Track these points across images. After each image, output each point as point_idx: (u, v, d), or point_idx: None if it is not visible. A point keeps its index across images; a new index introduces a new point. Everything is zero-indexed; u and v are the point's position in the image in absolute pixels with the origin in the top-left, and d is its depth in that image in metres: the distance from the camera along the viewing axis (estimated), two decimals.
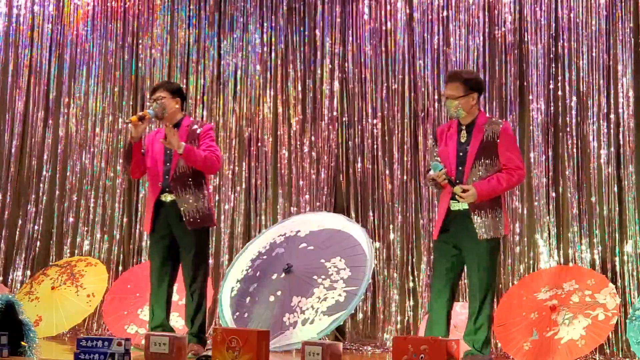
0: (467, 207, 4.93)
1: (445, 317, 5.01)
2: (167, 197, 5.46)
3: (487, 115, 5.28)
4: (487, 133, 4.98)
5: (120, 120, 7.52)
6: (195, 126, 5.55)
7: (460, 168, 4.98)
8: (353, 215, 6.79)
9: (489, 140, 4.96)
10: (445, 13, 6.80)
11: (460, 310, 5.90)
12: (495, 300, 6.21)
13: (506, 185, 4.94)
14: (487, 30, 6.66)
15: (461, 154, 4.98)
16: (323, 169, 6.99)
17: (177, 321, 6.09)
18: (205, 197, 5.50)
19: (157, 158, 5.51)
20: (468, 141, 5.00)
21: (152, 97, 5.54)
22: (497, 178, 4.92)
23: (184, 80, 7.37)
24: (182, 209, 5.39)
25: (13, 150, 7.74)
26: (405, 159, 6.79)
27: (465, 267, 5.07)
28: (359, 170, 6.91)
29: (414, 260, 6.65)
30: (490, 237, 4.92)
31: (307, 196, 6.98)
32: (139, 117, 5.39)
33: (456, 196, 4.90)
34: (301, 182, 7.02)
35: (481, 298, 4.93)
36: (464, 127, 5.05)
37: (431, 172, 4.99)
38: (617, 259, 6.09)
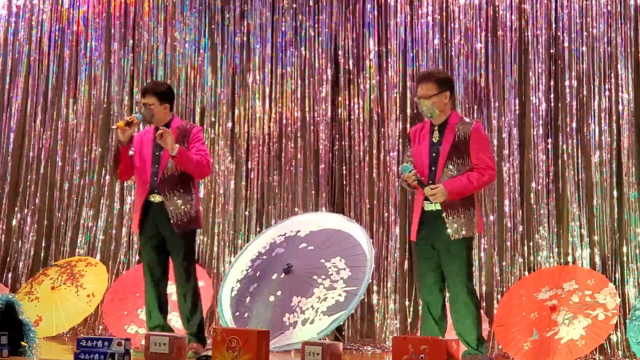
0: (439, 207, 4.95)
1: (432, 316, 5.03)
2: (156, 198, 5.47)
3: (460, 115, 5.30)
4: (458, 133, 5.00)
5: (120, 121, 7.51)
6: (186, 127, 5.57)
7: (433, 168, 5.01)
8: (352, 215, 6.78)
9: (460, 139, 4.99)
10: (445, 13, 6.80)
11: None
12: (495, 300, 6.25)
13: (477, 184, 4.95)
14: (487, 30, 6.65)
15: (434, 154, 5.01)
16: (323, 169, 6.98)
17: (177, 321, 6.09)
18: (193, 199, 5.51)
19: (145, 159, 5.51)
20: (440, 141, 5.03)
21: (142, 101, 5.55)
22: (468, 176, 4.93)
23: (182, 79, 7.37)
24: (169, 211, 5.41)
25: (11, 149, 7.73)
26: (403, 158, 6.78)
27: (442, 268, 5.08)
28: (359, 170, 6.91)
29: (413, 260, 6.64)
30: (463, 236, 4.94)
31: (304, 195, 6.98)
32: (126, 122, 5.41)
33: (428, 197, 4.91)
34: (301, 182, 7.02)
35: (462, 298, 4.94)
36: (436, 127, 5.08)
37: (402, 174, 5.01)
38: (617, 259, 6.09)
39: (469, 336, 4.93)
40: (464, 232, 4.93)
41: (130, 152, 5.53)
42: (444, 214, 4.93)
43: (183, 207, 5.44)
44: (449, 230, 4.92)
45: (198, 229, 5.69)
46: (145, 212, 5.49)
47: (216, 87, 7.35)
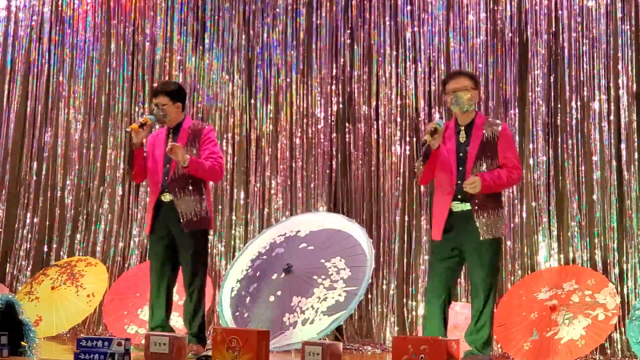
0: (469, 207, 4.93)
1: (441, 316, 5.01)
2: (166, 197, 5.47)
3: (485, 115, 5.29)
4: (486, 133, 4.99)
5: (123, 124, 7.51)
6: (197, 127, 5.57)
7: (460, 168, 4.98)
8: (352, 215, 6.78)
9: (488, 140, 4.97)
10: (445, 13, 6.80)
11: (461, 310, 5.90)
12: (495, 300, 6.26)
13: (506, 181, 4.95)
14: (488, 30, 6.66)
15: (461, 154, 4.99)
16: (322, 169, 6.99)
17: (177, 321, 6.09)
18: (204, 199, 5.51)
19: (157, 159, 5.52)
20: (467, 142, 5.00)
21: (154, 102, 5.56)
22: (499, 172, 4.93)
23: (182, 79, 7.37)
24: (179, 210, 5.41)
25: (11, 149, 7.73)
26: (404, 159, 6.78)
27: (465, 268, 5.07)
28: (359, 170, 6.91)
29: (412, 260, 6.65)
30: (493, 237, 4.93)
31: (305, 195, 6.98)
32: (140, 124, 5.42)
33: (462, 185, 4.87)
34: (300, 182, 7.02)
35: (484, 298, 4.93)
36: (462, 128, 5.06)
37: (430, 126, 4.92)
38: (617, 258, 6.09)
39: (480, 337, 4.92)
40: (494, 233, 4.92)
41: (144, 155, 5.55)
42: (474, 214, 4.92)
43: (193, 206, 5.43)
44: (479, 231, 4.90)
45: (209, 229, 5.66)
46: (156, 211, 5.49)
47: (216, 87, 7.35)
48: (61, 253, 7.49)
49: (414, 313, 6.55)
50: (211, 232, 6.59)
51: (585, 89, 6.34)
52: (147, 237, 5.67)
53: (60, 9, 7.84)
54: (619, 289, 5.94)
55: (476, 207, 4.91)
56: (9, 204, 7.70)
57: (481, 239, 4.90)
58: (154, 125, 5.77)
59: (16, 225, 7.66)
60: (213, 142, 5.56)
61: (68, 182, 7.59)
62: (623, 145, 6.19)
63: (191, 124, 5.61)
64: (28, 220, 7.63)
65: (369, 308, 6.68)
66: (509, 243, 6.38)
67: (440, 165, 5.02)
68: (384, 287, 6.68)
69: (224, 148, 7.19)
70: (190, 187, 5.44)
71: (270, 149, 7.15)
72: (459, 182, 4.95)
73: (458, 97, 5.00)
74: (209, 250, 7.07)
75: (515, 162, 4.99)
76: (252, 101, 7.26)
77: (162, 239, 5.51)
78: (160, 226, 5.50)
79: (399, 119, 6.85)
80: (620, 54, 6.26)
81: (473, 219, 4.92)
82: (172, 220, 5.45)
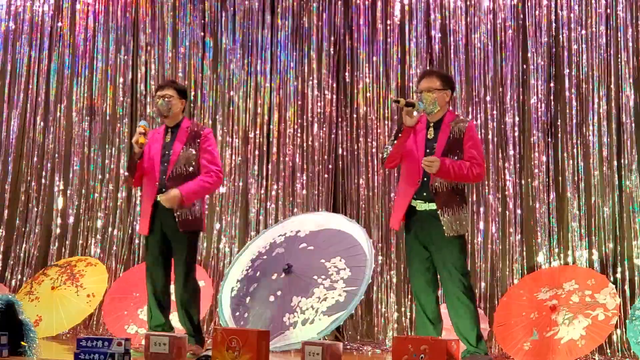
0: (434, 207, 4.97)
1: (435, 309, 5.04)
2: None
3: (455, 113, 5.32)
4: (453, 130, 5.03)
5: (122, 124, 7.51)
6: (196, 129, 5.58)
7: None
8: (352, 215, 6.78)
9: (455, 137, 5.02)
10: (445, 12, 6.80)
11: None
12: (495, 300, 6.25)
13: (466, 173, 4.95)
14: (487, 30, 6.66)
15: (428, 150, 5.03)
16: (323, 169, 6.99)
17: (174, 319, 6.08)
18: (200, 200, 5.54)
19: (154, 158, 5.52)
20: (435, 138, 5.05)
21: (159, 94, 5.56)
22: (462, 162, 4.96)
23: (185, 79, 7.37)
24: (175, 211, 5.42)
25: (12, 149, 7.73)
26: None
27: (436, 268, 5.08)
28: (359, 170, 6.91)
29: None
30: (457, 234, 4.96)
31: (305, 196, 6.98)
32: (143, 134, 5.43)
33: (422, 164, 4.89)
34: (300, 182, 7.02)
35: (458, 294, 4.94)
36: (431, 124, 5.10)
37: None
38: (617, 259, 6.09)
39: (468, 333, 4.93)
40: (459, 230, 4.96)
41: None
42: (438, 212, 4.94)
43: (189, 206, 5.44)
44: (443, 228, 4.92)
45: (201, 231, 5.68)
46: (153, 212, 5.50)
47: (216, 87, 7.35)
48: (61, 253, 7.48)
49: (413, 313, 6.54)
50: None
51: (585, 89, 6.34)
52: (144, 237, 5.66)
53: (60, 8, 7.82)
54: (618, 289, 5.94)
55: (442, 205, 4.94)
56: (9, 204, 7.69)
57: (448, 236, 4.93)
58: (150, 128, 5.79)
59: (16, 226, 7.65)
60: (212, 147, 5.58)
61: (68, 181, 7.58)
62: (623, 146, 6.19)
63: (190, 124, 5.63)
64: (28, 220, 7.62)
65: (369, 308, 6.68)
66: (508, 243, 6.37)
67: (407, 157, 5.05)
68: (384, 287, 6.67)
69: (226, 148, 7.19)
70: None
71: (270, 149, 7.15)
72: (425, 179, 4.99)
73: (422, 98, 5.05)
74: (211, 250, 7.12)
75: (479, 160, 5.01)
76: (253, 101, 7.26)
77: (158, 240, 5.53)
78: (157, 226, 5.51)
79: (397, 118, 6.85)
80: (620, 54, 6.26)
81: (438, 217, 4.95)
82: (167, 220, 5.46)
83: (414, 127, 5.02)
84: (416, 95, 5.13)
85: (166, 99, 5.53)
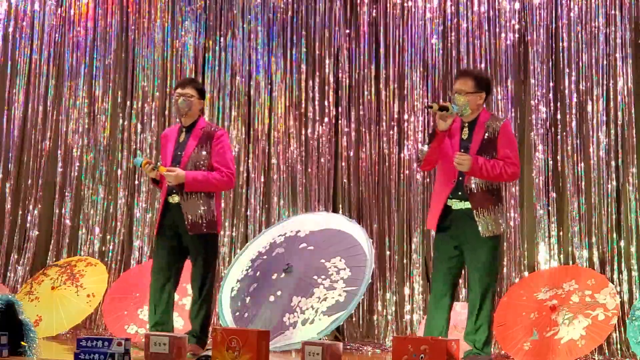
0: (469, 206, 4.93)
1: (445, 317, 5.01)
2: (174, 199, 5.46)
3: (491, 112, 5.27)
4: (488, 130, 4.99)
5: (123, 123, 7.52)
6: (210, 129, 5.55)
7: None
8: (352, 215, 6.78)
9: (490, 137, 4.97)
10: (445, 12, 6.80)
11: (461, 310, 5.89)
12: (494, 300, 6.25)
13: (499, 172, 4.90)
14: (488, 30, 6.66)
15: (463, 150, 4.97)
16: (322, 169, 6.98)
17: (177, 321, 6.08)
18: (212, 203, 5.47)
19: (167, 159, 5.51)
20: (470, 138, 5.00)
21: (180, 92, 5.51)
22: (496, 161, 4.92)
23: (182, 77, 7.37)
24: (185, 212, 5.39)
25: (12, 149, 7.73)
26: (404, 160, 6.79)
27: (465, 267, 5.08)
28: (359, 170, 6.91)
29: (412, 260, 6.65)
30: (493, 234, 4.93)
31: (305, 196, 6.98)
32: (151, 168, 5.42)
33: (454, 161, 4.86)
34: (300, 182, 7.02)
35: (482, 297, 4.93)
36: (466, 124, 5.05)
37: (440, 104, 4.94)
38: (616, 259, 6.09)
39: (479, 337, 4.93)
40: (494, 230, 4.93)
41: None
42: (474, 212, 4.91)
43: (200, 209, 5.41)
44: (479, 228, 4.89)
45: (217, 233, 5.60)
46: (164, 213, 5.49)
47: (216, 87, 7.35)
48: (61, 253, 7.48)
49: (413, 313, 6.54)
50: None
51: (585, 89, 6.34)
52: (155, 238, 5.63)
53: (61, 8, 7.82)
54: (618, 289, 5.94)
55: (477, 205, 4.91)
56: (10, 204, 7.69)
57: (482, 236, 4.90)
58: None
59: (16, 225, 7.65)
60: (225, 149, 5.51)
61: (68, 181, 7.58)
62: (623, 145, 6.19)
63: (205, 124, 5.60)
64: (28, 220, 7.61)
65: (369, 308, 6.68)
66: (510, 242, 6.37)
67: (443, 159, 5.02)
68: (384, 286, 6.67)
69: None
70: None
71: (270, 149, 7.15)
72: (460, 178, 4.95)
73: (455, 100, 4.99)
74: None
75: (513, 159, 4.97)
76: (252, 101, 7.26)
77: (169, 241, 5.49)
78: (169, 227, 5.48)
79: (397, 118, 6.85)
80: (619, 54, 6.25)
81: (473, 217, 4.92)
82: (180, 222, 5.43)
83: (449, 128, 4.97)
84: (450, 96, 5.08)
85: (187, 98, 5.49)
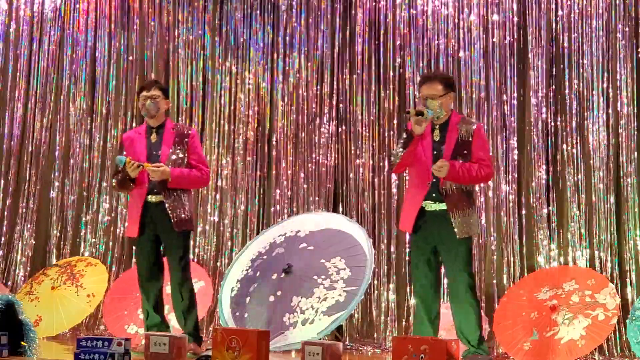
0: (444, 207, 4.99)
1: (435, 308, 5.06)
2: (154, 198, 5.48)
3: (460, 114, 5.33)
4: (461, 132, 5.05)
5: (123, 123, 7.52)
6: (182, 130, 5.60)
7: None
8: (352, 215, 6.78)
9: (463, 139, 5.04)
10: (445, 13, 6.80)
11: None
12: (495, 300, 6.25)
13: (475, 175, 4.98)
14: (488, 30, 6.66)
15: (436, 152, 5.04)
16: (322, 169, 6.98)
17: (172, 319, 6.08)
18: (191, 200, 5.58)
19: (141, 159, 5.51)
20: (442, 140, 5.06)
21: (146, 95, 5.55)
22: (471, 164, 4.99)
23: (183, 78, 7.38)
24: (169, 210, 5.42)
25: (12, 150, 7.73)
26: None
27: (443, 268, 5.10)
28: (358, 170, 6.91)
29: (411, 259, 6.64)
30: (469, 235, 4.99)
31: (305, 196, 6.98)
32: (137, 167, 5.39)
33: (432, 169, 4.92)
34: (300, 182, 7.02)
35: (465, 296, 4.97)
36: (437, 126, 5.10)
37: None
38: (617, 259, 6.09)
39: (471, 335, 4.95)
40: (468, 231, 4.99)
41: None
42: (449, 213, 4.96)
43: (181, 206, 5.46)
44: (455, 230, 4.94)
45: (192, 230, 5.71)
46: (144, 213, 5.49)
47: (216, 87, 7.35)
48: (61, 253, 7.48)
49: (411, 314, 6.54)
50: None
51: (585, 90, 6.34)
52: (135, 240, 5.64)
53: (61, 8, 7.82)
54: (618, 289, 5.94)
55: (452, 207, 4.96)
56: (10, 204, 7.69)
57: (458, 237, 4.95)
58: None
59: (17, 224, 7.65)
60: (199, 147, 5.65)
61: (68, 181, 7.58)
62: (623, 145, 6.19)
63: (174, 125, 5.66)
64: (28, 220, 7.61)
65: (369, 308, 6.68)
66: (508, 243, 6.37)
67: (415, 162, 5.06)
68: (384, 286, 6.67)
69: (224, 148, 7.20)
70: (178, 187, 5.48)
71: (270, 149, 7.15)
72: (434, 180, 4.98)
73: (428, 105, 5.04)
74: (211, 250, 7.12)
75: (487, 160, 5.05)
76: (252, 101, 7.26)
77: (150, 241, 5.53)
78: (149, 227, 5.51)
79: (396, 120, 6.85)
80: (618, 55, 6.26)
81: (448, 217, 4.96)
82: (160, 221, 5.46)
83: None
84: (421, 102, 5.13)
85: (154, 100, 5.53)
